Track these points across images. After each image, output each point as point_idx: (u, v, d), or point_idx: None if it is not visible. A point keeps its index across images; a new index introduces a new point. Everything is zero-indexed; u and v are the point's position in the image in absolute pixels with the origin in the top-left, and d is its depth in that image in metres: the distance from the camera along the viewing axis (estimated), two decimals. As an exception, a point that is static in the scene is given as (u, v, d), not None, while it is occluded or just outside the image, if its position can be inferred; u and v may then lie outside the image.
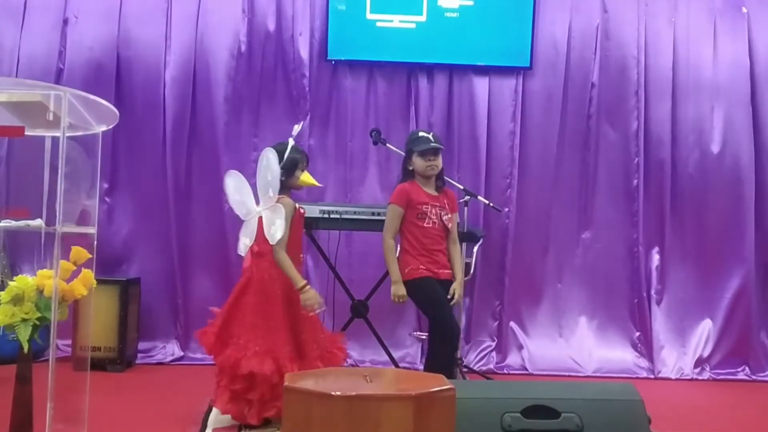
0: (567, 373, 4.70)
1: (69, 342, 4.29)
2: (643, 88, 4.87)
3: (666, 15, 4.91)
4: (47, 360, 2.47)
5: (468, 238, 4.13)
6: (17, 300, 2.52)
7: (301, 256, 3.44)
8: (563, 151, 4.91)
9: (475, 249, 4.16)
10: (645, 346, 4.83)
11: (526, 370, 4.75)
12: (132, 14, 4.69)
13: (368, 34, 4.78)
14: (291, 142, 3.38)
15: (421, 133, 3.58)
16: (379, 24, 4.78)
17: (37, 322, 2.53)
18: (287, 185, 3.34)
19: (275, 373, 3.03)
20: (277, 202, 3.20)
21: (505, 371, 4.74)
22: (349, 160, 4.82)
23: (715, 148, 4.88)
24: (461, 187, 4.19)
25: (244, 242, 3.29)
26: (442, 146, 3.54)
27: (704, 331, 4.86)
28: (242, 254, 3.35)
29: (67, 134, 2.47)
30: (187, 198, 4.74)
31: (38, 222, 2.59)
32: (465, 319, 4.63)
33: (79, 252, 2.63)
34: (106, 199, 4.66)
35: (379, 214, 3.96)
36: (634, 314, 4.86)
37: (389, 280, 3.56)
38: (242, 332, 3.17)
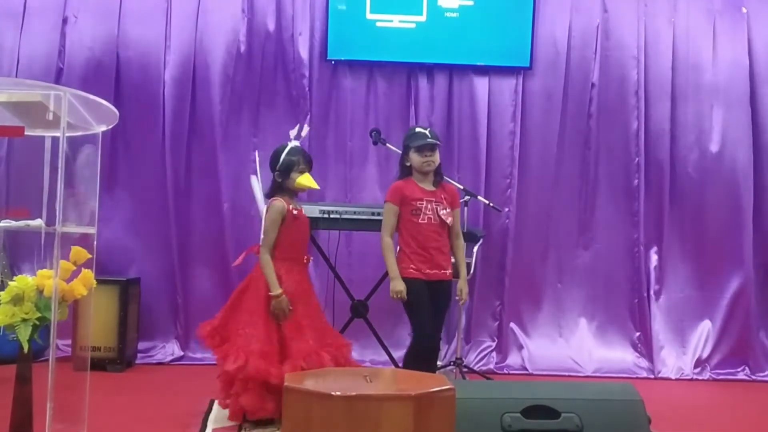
0: (567, 373, 4.70)
1: (69, 342, 4.30)
2: (643, 88, 4.86)
3: (666, 15, 4.91)
4: (47, 360, 2.46)
5: (468, 238, 4.12)
6: (17, 300, 2.52)
7: (305, 258, 3.39)
8: (563, 151, 4.91)
9: (475, 249, 4.15)
10: (645, 346, 4.83)
11: (526, 370, 4.75)
12: (131, 14, 4.69)
13: (368, 34, 4.78)
14: (291, 143, 3.39)
15: (417, 129, 3.54)
16: (379, 24, 4.78)
17: (37, 322, 2.53)
18: (284, 187, 3.34)
19: (253, 371, 3.07)
20: (271, 204, 3.28)
21: (505, 371, 4.74)
22: (349, 160, 4.82)
23: (714, 147, 4.89)
24: (461, 187, 4.19)
25: None
26: (438, 142, 3.50)
27: (704, 331, 4.86)
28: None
29: (67, 134, 2.47)
30: (187, 198, 4.74)
31: (38, 222, 2.58)
32: (465, 319, 4.63)
33: (78, 252, 2.63)
34: (106, 199, 4.66)
35: (378, 214, 3.95)
36: (634, 314, 4.86)
37: (389, 279, 3.55)
38: (237, 329, 3.22)
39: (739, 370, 4.80)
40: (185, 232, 4.72)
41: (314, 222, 4.07)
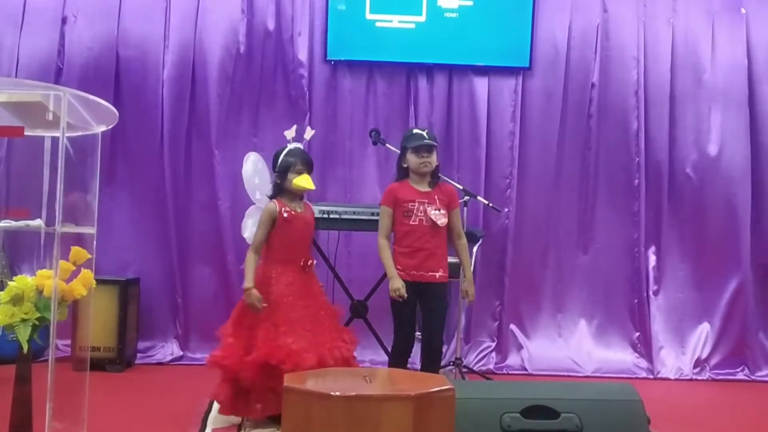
0: (566, 374, 4.71)
1: (68, 342, 4.29)
2: (643, 89, 4.87)
3: (665, 15, 4.91)
4: (47, 360, 2.46)
5: (468, 238, 4.12)
6: (17, 300, 2.52)
7: (303, 260, 3.33)
8: (563, 152, 4.91)
9: (475, 249, 4.15)
10: (644, 347, 4.83)
11: (526, 370, 4.75)
12: (131, 13, 4.69)
13: (368, 34, 4.78)
14: (291, 145, 3.39)
15: (415, 131, 3.53)
16: (378, 24, 4.78)
17: (37, 323, 2.53)
18: (283, 188, 3.35)
19: (229, 371, 3.15)
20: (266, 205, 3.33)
21: (505, 371, 4.74)
22: (349, 161, 4.82)
23: (713, 147, 4.88)
24: (461, 188, 4.18)
25: (248, 224, 3.55)
26: (435, 143, 3.49)
27: (703, 332, 4.86)
28: (244, 235, 3.58)
29: (67, 134, 2.47)
30: (187, 198, 4.74)
31: (38, 222, 2.58)
32: (465, 319, 4.63)
33: (78, 252, 2.63)
34: (106, 199, 4.66)
35: (378, 214, 3.96)
36: (634, 314, 4.87)
37: (387, 279, 3.55)
38: (228, 327, 3.29)
39: (738, 370, 4.80)
40: (185, 232, 4.72)
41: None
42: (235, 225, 4.67)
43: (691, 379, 4.74)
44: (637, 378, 4.67)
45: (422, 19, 4.79)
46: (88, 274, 2.66)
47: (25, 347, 2.51)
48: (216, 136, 4.71)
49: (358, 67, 4.84)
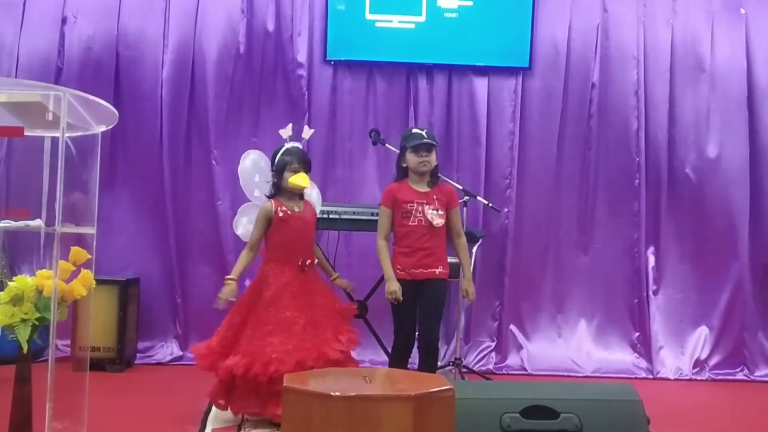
0: (566, 374, 4.71)
1: (68, 342, 4.30)
2: (643, 89, 4.87)
3: (665, 15, 4.91)
4: (46, 360, 2.47)
5: (467, 238, 4.12)
6: (16, 300, 2.52)
7: (301, 260, 3.31)
8: (563, 151, 4.91)
9: (475, 249, 4.15)
10: (644, 347, 4.84)
11: (526, 370, 4.76)
12: (130, 13, 4.69)
13: (367, 34, 4.78)
14: (288, 144, 3.40)
15: (414, 130, 3.54)
16: (378, 24, 4.78)
17: (37, 323, 2.53)
18: (280, 187, 3.35)
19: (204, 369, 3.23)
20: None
21: (505, 371, 4.75)
22: (349, 161, 4.82)
23: (712, 147, 4.88)
24: (460, 188, 4.19)
25: (242, 221, 3.53)
26: (435, 142, 3.49)
27: (703, 332, 4.86)
28: (237, 232, 3.59)
29: (67, 134, 2.47)
30: (186, 198, 4.74)
31: (38, 222, 2.59)
32: (464, 319, 4.63)
33: (78, 252, 2.63)
34: (105, 199, 4.66)
35: (377, 214, 3.96)
36: (634, 315, 4.87)
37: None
38: (222, 325, 3.33)
39: (737, 370, 4.80)
40: (184, 232, 4.73)
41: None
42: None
43: (690, 379, 4.74)
44: (636, 378, 4.67)
45: (422, 19, 4.79)
46: (87, 274, 2.66)
47: (25, 347, 2.51)
48: (215, 136, 4.71)
49: (358, 68, 4.84)
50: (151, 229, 4.73)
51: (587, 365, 4.79)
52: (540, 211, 4.90)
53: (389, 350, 4.31)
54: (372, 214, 4.07)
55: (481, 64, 4.84)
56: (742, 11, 4.92)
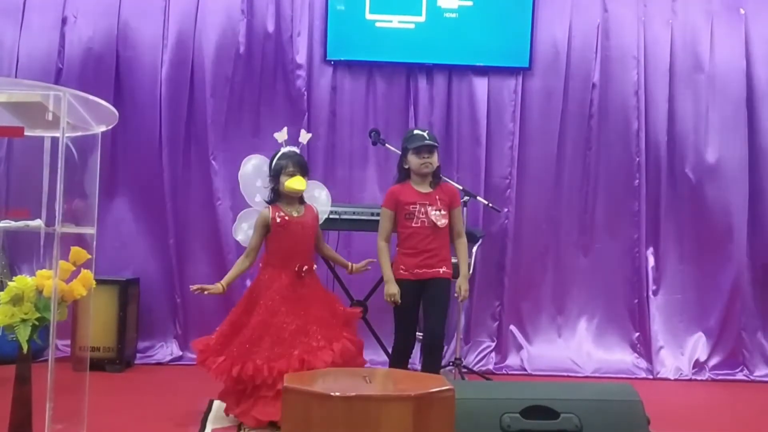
0: (566, 374, 4.71)
1: (68, 342, 4.30)
2: (643, 89, 4.87)
3: (665, 15, 4.91)
4: (46, 360, 2.47)
5: (467, 238, 4.12)
6: (16, 300, 2.52)
7: (297, 266, 3.28)
8: (563, 151, 4.91)
9: (475, 249, 4.15)
10: (644, 347, 4.83)
11: (525, 370, 4.75)
12: (130, 13, 4.69)
13: (367, 34, 4.78)
14: (284, 148, 3.38)
15: (416, 131, 3.54)
16: (378, 24, 4.78)
17: (37, 323, 2.53)
18: (278, 191, 3.34)
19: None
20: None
21: (505, 372, 4.74)
22: (348, 161, 4.82)
23: (712, 148, 4.87)
24: (460, 188, 4.18)
25: (242, 227, 3.50)
26: (436, 144, 3.50)
27: (703, 333, 4.86)
28: (237, 238, 3.57)
29: (67, 134, 2.47)
30: (186, 198, 4.74)
31: (38, 222, 2.59)
32: (464, 319, 4.63)
33: (78, 252, 2.63)
34: (105, 199, 4.66)
35: (378, 214, 3.96)
36: (634, 315, 4.86)
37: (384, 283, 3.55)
38: (222, 325, 3.33)
39: (737, 370, 4.80)
40: (184, 232, 4.73)
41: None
42: (233, 224, 4.68)
43: (690, 380, 4.74)
44: (636, 378, 4.67)
45: (422, 19, 4.79)
46: (87, 275, 2.66)
47: (25, 347, 2.51)
48: (215, 136, 4.71)
49: (358, 68, 4.84)
50: (151, 229, 4.73)
51: (587, 365, 4.79)
52: (540, 211, 4.90)
53: (389, 350, 4.32)
54: (372, 215, 4.07)
55: (481, 64, 4.84)
56: (742, 11, 4.91)
